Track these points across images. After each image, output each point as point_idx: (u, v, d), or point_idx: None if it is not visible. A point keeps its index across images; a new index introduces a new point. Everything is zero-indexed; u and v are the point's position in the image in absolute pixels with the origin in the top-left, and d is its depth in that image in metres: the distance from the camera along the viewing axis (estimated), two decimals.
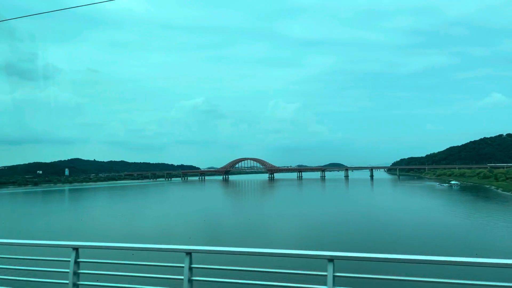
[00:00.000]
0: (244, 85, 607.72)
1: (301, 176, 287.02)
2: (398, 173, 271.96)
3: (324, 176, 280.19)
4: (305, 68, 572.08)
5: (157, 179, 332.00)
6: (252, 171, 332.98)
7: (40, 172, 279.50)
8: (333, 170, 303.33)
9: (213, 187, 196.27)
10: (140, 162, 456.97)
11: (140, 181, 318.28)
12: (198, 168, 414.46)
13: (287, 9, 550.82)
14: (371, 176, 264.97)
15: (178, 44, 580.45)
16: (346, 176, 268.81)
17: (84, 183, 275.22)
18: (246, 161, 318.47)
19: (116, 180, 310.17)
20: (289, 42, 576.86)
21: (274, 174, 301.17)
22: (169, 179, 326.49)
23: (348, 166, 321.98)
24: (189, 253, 6.86)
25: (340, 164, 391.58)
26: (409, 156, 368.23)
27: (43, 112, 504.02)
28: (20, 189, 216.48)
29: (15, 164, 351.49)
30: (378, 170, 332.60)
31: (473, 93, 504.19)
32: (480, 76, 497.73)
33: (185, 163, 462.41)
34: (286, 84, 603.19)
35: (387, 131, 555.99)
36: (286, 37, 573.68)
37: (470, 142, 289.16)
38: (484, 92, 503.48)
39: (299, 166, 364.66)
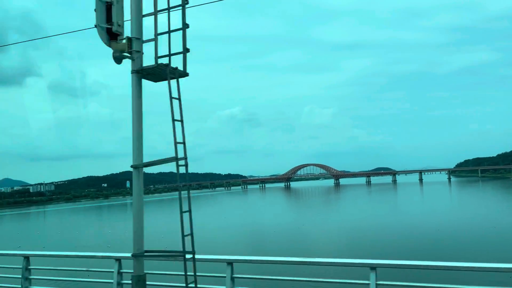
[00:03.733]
0: (280, 93, 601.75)
1: (370, 181, 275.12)
2: (479, 175, 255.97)
3: (396, 181, 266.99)
4: (340, 72, 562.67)
5: (216, 189, 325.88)
6: (314, 178, 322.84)
7: (105, 185, 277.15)
8: (403, 174, 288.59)
9: (282, 197, 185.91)
10: (189, 173, 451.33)
11: (199, 191, 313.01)
12: (245, 177, 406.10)
13: (322, 14, 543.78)
14: (449, 179, 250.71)
15: (213, 55, 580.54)
16: (420, 180, 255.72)
17: (150, 195, 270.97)
18: (308, 167, 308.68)
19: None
20: (324, 47, 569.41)
21: (339, 179, 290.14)
22: (229, 188, 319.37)
23: (397, 170, 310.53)
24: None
25: (387, 168, 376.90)
26: (469, 157, 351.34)
27: (88, 127, 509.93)
28: (101, 202, 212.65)
29: (68, 178, 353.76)
30: (433, 173, 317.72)
31: None
32: None
33: (226, 172, 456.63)
34: (321, 89, 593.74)
35: (428, 133, 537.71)
36: (321, 42, 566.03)
37: None
38: None
39: (342, 171, 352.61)
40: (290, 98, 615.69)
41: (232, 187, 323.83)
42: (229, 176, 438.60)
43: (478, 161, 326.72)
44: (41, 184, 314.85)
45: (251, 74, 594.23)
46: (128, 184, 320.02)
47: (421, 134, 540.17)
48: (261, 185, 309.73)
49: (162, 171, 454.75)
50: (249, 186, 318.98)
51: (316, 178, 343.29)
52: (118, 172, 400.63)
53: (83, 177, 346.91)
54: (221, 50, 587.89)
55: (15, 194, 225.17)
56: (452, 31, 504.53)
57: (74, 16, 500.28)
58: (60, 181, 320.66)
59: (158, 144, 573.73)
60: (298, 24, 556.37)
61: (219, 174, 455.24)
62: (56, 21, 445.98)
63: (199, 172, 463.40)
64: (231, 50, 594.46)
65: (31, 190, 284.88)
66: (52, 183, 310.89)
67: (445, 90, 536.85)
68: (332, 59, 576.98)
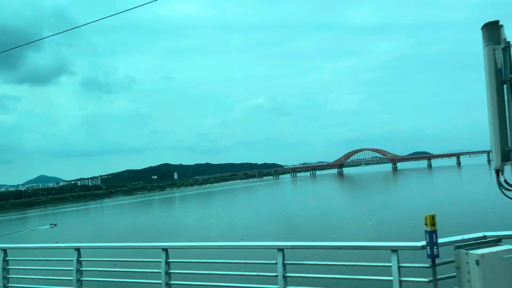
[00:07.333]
0: (307, 80, 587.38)
1: (431, 164, 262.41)
2: None
3: (460, 163, 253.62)
4: (368, 56, 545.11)
5: (263, 178, 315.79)
6: (368, 163, 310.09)
7: (155, 177, 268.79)
8: (468, 155, 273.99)
9: (345, 185, 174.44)
10: (225, 163, 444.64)
11: (245, 181, 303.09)
12: (281, 166, 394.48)
13: None
14: None
15: (237, 45, 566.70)
16: (489, 161, 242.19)
17: (202, 186, 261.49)
18: (362, 152, 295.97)
19: (228, 180, 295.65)
20: (351, 31, 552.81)
21: (397, 164, 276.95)
22: (277, 176, 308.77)
23: (434, 153, 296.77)
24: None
25: (425, 152, 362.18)
26: None
27: (118, 123, 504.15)
28: (161, 194, 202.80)
29: (103, 173, 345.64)
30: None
31: None
32: None
33: (261, 162, 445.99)
34: (349, 75, 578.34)
35: (461, 115, 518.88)
36: (348, 26, 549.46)
37: None
38: None
39: (373, 157, 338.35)
40: (317, 85, 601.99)
41: (279, 176, 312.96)
42: (265, 165, 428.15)
43: None
44: (81, 179, 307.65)
45: (277, 62, 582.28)
46: (175, 176, 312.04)
47: (454, 117, 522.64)
48: (312, 172, 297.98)
49: (199, 162, 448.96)
50: (298, 174, 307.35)
51: (357, 164, 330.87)
52: (156, 165, 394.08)
53: (124, 171, 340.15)
54: (245, 39, 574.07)
55: (75, 188, 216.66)
56: (489, 6, 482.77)
57: (105, 12, 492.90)
58: (104, 175, 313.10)
59: (184, 137, 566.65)
60: (324, 8, 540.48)
61: (255, 164, 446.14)
62: (89, 17, 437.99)
63: (235, 162, 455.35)
64: (255, 39, 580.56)
65: (79, 184, 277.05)
66: (97, 177, 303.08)
67: (479, 70, 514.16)
68: (360, 43, 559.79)
